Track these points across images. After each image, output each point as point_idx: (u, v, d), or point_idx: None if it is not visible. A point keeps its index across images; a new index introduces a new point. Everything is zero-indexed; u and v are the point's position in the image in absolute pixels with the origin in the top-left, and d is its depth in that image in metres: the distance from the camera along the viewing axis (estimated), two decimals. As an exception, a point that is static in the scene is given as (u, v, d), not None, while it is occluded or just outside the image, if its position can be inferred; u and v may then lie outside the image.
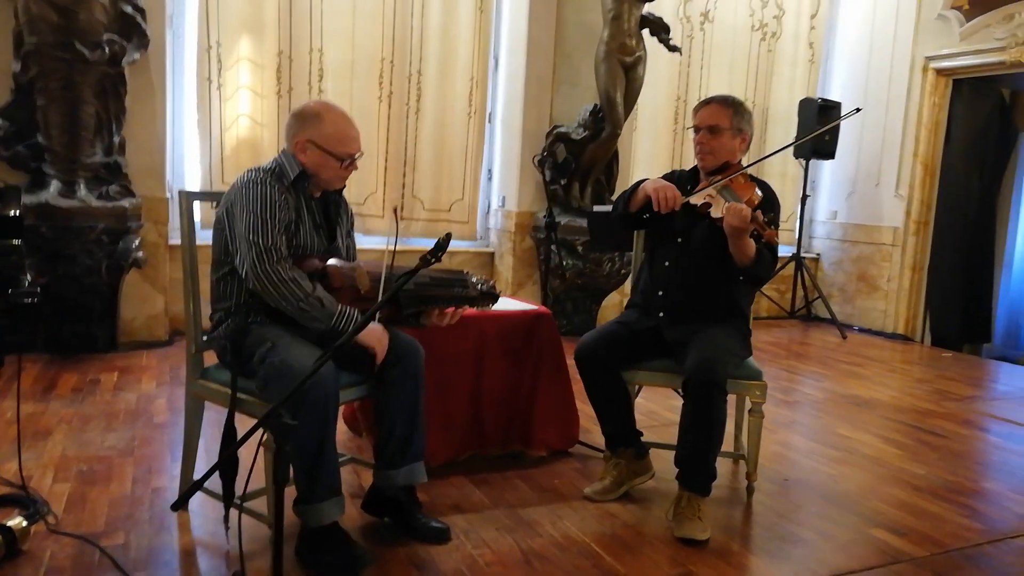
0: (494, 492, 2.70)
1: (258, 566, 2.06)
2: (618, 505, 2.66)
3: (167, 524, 2.31)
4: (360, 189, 5.30)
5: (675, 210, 2.56)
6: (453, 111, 5.66)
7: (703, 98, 2.94)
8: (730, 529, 2.57)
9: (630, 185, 2.81)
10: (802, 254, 6.64)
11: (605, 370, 2.67)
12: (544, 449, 3.06)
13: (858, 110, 3.28)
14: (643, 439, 2.80)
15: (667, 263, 2.72)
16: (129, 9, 4.10)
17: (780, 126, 6.84)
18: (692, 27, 6.36)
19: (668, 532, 2.46)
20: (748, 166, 2.75)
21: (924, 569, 2.34)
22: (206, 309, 2.35)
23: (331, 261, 2.23)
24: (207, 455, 2.65)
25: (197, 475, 2.41)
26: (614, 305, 5.84)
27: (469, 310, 2.38)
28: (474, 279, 2.36)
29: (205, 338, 2.32)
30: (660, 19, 5.33)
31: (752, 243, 2.46)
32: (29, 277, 1.74)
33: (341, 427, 2.92)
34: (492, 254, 5.86)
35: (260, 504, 2.25)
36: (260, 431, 1.78)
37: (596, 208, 4.50)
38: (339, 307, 2.09)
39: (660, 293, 2.71)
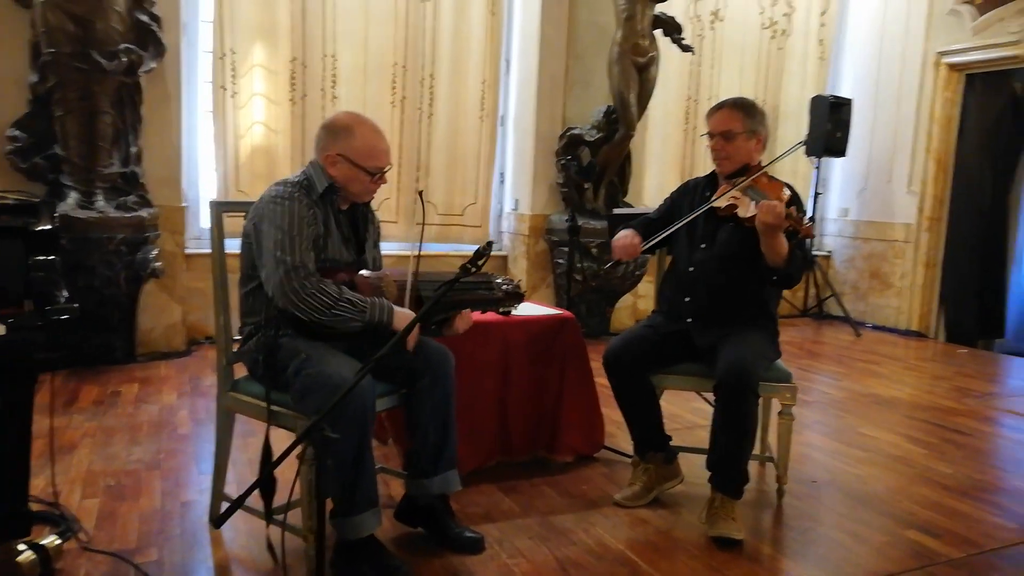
0: (523, 499, 2.69)
1: (296, 579, 2.06)
2: (648, 511, 2.65)
3: (200, 539, 2.30)
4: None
5: (636, 257, 2.64)
6: (465, 114, 5.65)
7: (713, 98, 2.95)
8: (762, 533, 2.56)
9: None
10: (814, 252, 6.62)
11: (633, 375, 2.66)
12: (570, 454, 3.05)
13: (804, 143, 3.31)
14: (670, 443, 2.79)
15: (692, 268, 2.70)
16: (145, 18, 4.11)
17: (791, 124, 6.83)
18: (703, 26, 6.35)
19: (701, 537, 2.45)
20: (767, 165, 2.71)
21: (961, 570, 2.33)
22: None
23: (359, 273, 2.23)
24: (234, 466, 2.64)
25: (228, 487, 2.42)
26: (627, 307, 5.83)
27: (491, 314, 2.38)
28: (498, 280, 2.36)
29: (235, 351, 2.31)
30: (672, 19, 5.31)
31: (785, 241, 2.45)
32: (66, 293, 1.73)
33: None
34: (505, 257, 5.85)
35: (293, 516, 2.24)
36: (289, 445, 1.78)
37: (616, 211, 4.48)
38: (368, 301, 2.08)
39: (687, 299, 2.69)
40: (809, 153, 6.36)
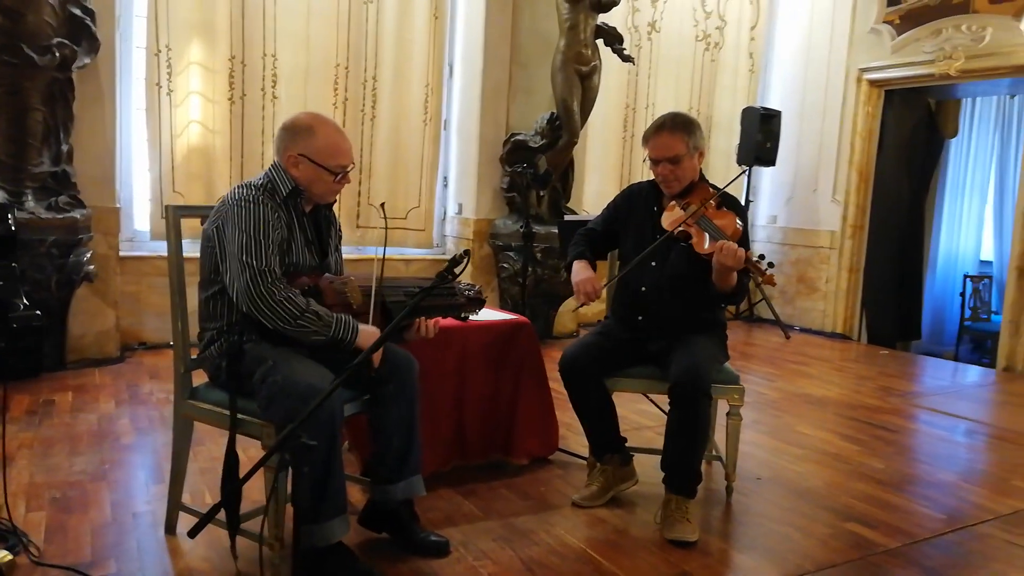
0: (483, 503, 2.72)
1: (262, 589, 2.02)
2: (606, 510, 2.71)
3: (157, 550, 2.24)
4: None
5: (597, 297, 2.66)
6: (408, 118, 5.64)
7: (651, 107, 3.01)
8: (714, 529, 2.66)
9: (575, 249, 2.87)
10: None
11: (589, 380, 2.71)
12: (526, 457, 3.09)
13: (746, 171, 3.42)
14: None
15: (644, 289, 2.72)
16: (78, 11, 3.94)
17: (723, 134, 7.07)
18: (640, 37, 6.51)
19: (657, 534, 2.53)
20: (717, 192, 2.72)
21: (898, 559, 2.47)
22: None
23: (323, 277, 2.22)
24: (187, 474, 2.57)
25: (185, 496, 2.36)
26: (569, 311, 5.91)
27: (449, 319, 2.41)
28: (461, 286, 2.38)
29: (194, 357, 2.26)
30: (614, 29, 5.43)
31: (735, 275, 2.53)
32: (25, 301, 1.67)
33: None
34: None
35: (252, 525, 2.21)
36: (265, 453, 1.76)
37: (567, 218, 4.56)
38: (334, 317, 2.08)
39: (640, 318, 2.75)
40: (740, 162, 6.61)
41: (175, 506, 2.31)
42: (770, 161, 6.64)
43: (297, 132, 2.20)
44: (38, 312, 1.66)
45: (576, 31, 5.18)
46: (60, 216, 3.91)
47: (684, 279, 2.67)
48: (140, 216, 4.93)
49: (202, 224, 2.25)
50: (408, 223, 5.73)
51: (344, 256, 2.48)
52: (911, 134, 6.82)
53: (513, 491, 2.84)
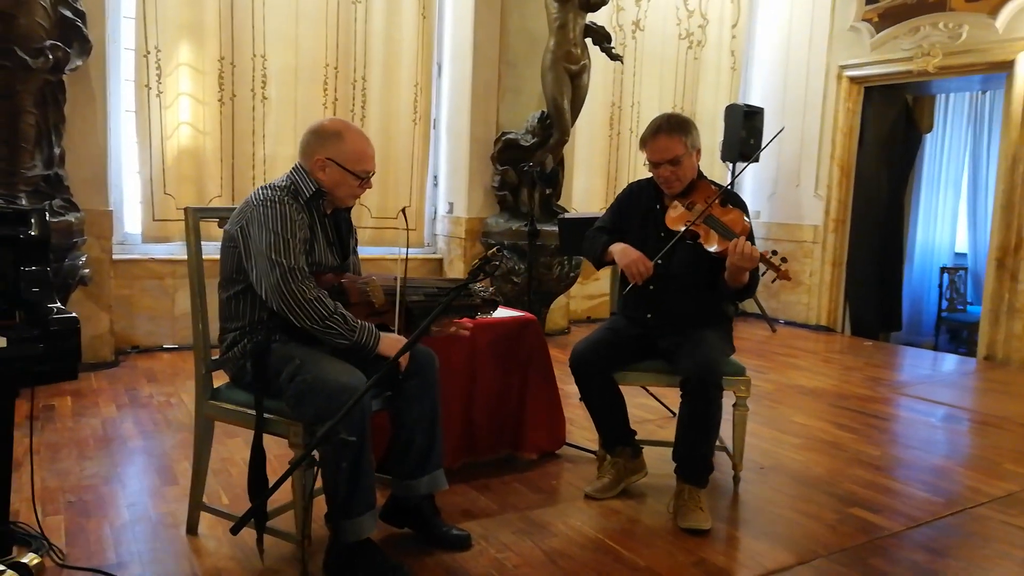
0: (498, 497, 2.75)
1: (291, 585, 2.05)
2: (618, 501, 2.76)
3: (181, 551, 2.24)
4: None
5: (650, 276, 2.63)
6: (398, 117, 5.65)
7: (636, 105, 3.03)
8: (725, 517, 2.72)
9: (597, 241, 2.85)
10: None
11: (600, 375, 2.76)
12: (535, 452, 3.13)
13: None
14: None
15: (650, 287, 2.76)
16: (69, 13, 3.90)
17: (706, 131, 7.09)
18: (624, 35, 6.58)
19: (671, 523, 2.58)
20: (720, 191, 2.75)
21: (904, 542, 2.55)
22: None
23: (346, 277, 2.24)
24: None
25: (207, 496, 2.37)
26: (560, 308, 5.97)
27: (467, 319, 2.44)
28: (477, 287, 2.42)
29: (215, 358, 2.27)
30: (603, 28, 5.49)
31: (748, 273, 2.57)
32: (58, 304, 1.67)
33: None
34: (441, 260, 5.88)
35: (276, 522, 2.23)
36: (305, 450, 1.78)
37: (568, 215, 4.60)
38: (359, 323, 2.11)
39: (649, 316, 2.80)
40: (724, 158, 6.70)
41: (196, 506, 2.32)
42: (755, 159, 6.72)
43: (326, 137, 2.22)
44: (74, 314, 1.66)
45: (565, 30, 5.23)
46: (55, 220, 3.86)
47: (691, 276, 2.73)
48: (131, 219, 4.88)
49: (219, 226, 2.27)
50: (399, 222, 5.73)
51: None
52: (890, 130, 6.97)
53: (526, 485, 2.88)
